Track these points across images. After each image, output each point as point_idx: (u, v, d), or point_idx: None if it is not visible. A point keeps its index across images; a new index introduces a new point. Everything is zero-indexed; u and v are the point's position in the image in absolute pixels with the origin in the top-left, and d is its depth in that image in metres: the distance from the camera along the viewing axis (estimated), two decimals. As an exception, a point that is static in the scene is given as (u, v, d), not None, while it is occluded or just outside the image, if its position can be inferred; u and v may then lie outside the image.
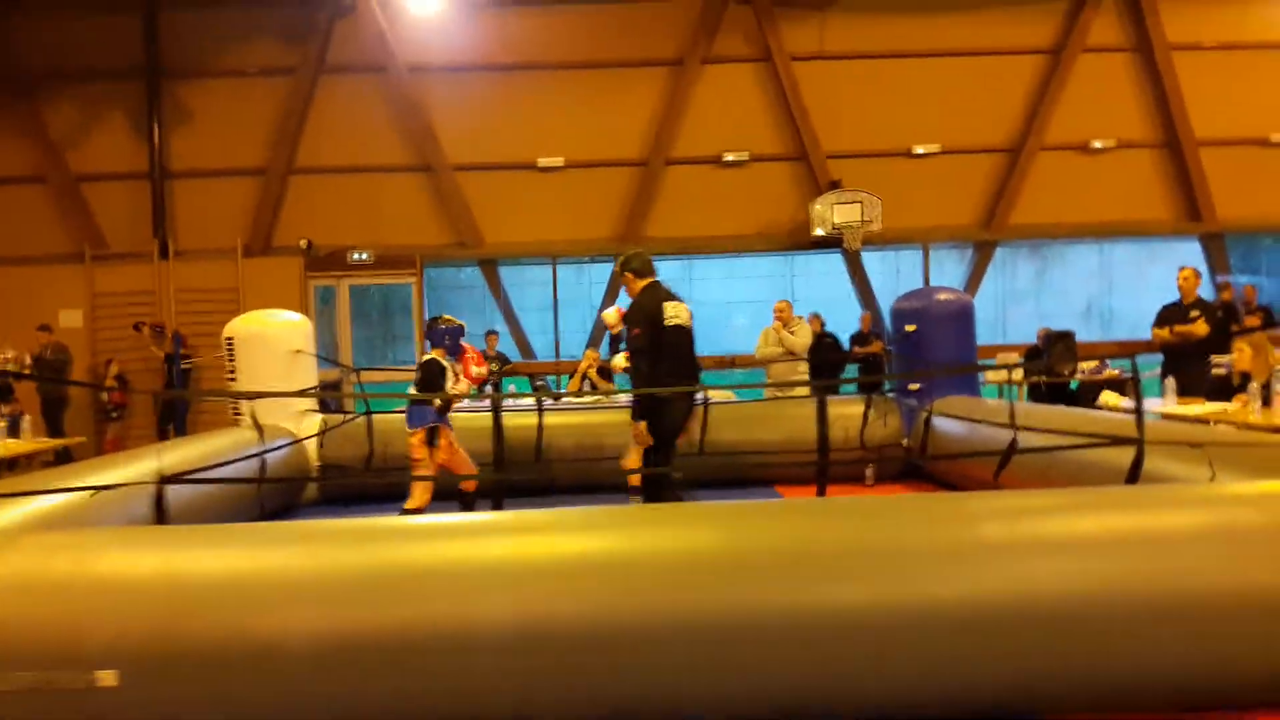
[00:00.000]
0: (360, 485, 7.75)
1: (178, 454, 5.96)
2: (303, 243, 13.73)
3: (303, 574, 3.14)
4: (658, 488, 5.64)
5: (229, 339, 7.86)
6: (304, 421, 7.79)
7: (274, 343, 7.80)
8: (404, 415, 6.27)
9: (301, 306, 13.09)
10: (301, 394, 7.28)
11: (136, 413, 12.94)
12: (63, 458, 8.95)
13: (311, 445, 7.70)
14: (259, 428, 6.09)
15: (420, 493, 6.06)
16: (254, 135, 13.85)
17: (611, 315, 7.15)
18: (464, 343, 6.64)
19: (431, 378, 6.12)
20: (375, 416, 7.74)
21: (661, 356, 5.49)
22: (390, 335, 14.99)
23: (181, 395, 12.53)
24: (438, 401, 6.04)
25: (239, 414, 7.68)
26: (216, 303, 12.96)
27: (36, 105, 13.69)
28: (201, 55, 13.81)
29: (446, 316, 6.41)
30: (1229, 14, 14.38)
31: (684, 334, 5.60)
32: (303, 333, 8.06)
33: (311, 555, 3.22)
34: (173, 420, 12.61)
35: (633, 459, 6.45)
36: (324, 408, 8.71)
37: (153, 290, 13.45)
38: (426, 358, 6.25)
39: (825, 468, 5.39)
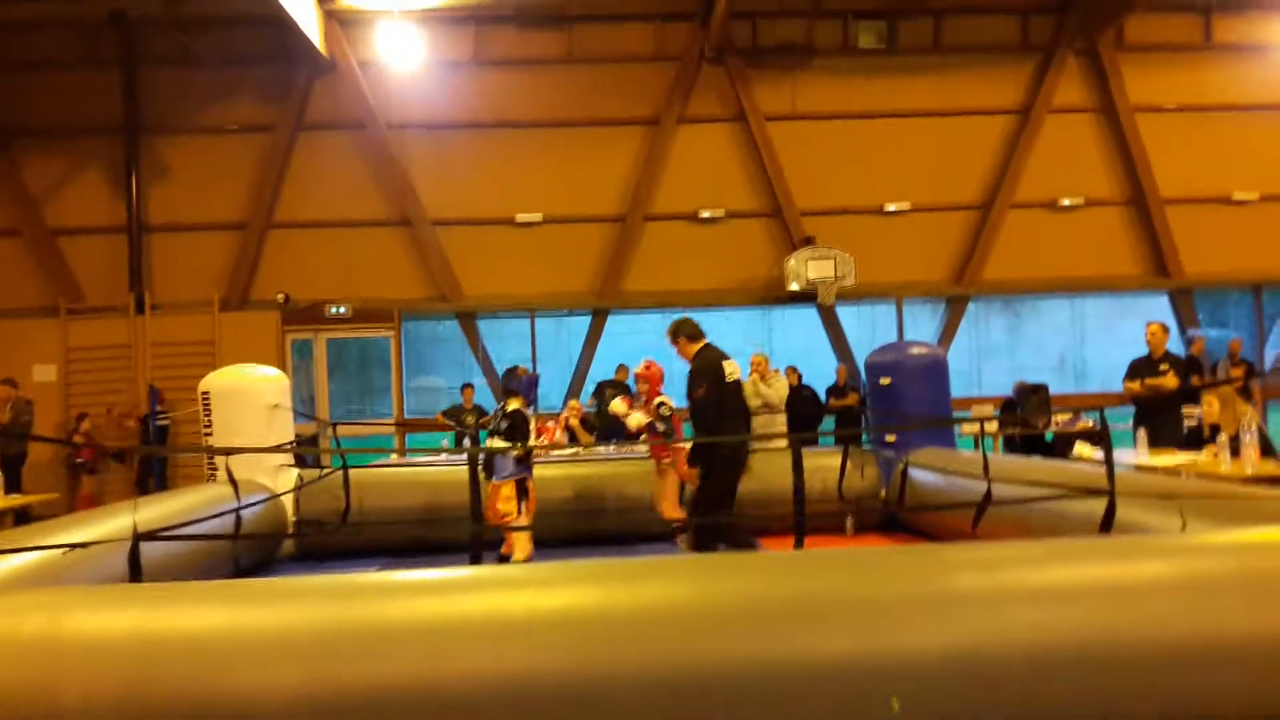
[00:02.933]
0: (337, 540, 7.68)
1: (153, 510, 5.91)
2: (280, 296, 13.73)
3: (279, 631, 3.11)
4: (714, 536, 6.01)
5: (205, 394, 7.83)
6: (280, 477, 7.74)
7: (250, 397, 7.78)
8: (380, 468, 6.26)
9: (278, 360, 13.05)
10: (277, 449, 7.24)
11: (112, 468, 12.78)
12: (22, 517, 8.74)
13: (288, 500, 7.65)
14: (235, 483, 6.05)
15: (524, 543, 6.18)
16: (233, 190, 13.92)
17: (620, 405, 7.24)
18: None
19: (520, 427, 6.18)
20: (351, 471, 7.70)
21: (724, 411, 5.94)
22: (368, 388, 14.96)
23: (155, 451, 12.40)
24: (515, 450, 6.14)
25: (215, 470, 7.63)
26: (192, 357, 12.91)
27: (14, 159, 13.71)
28: (180, 112, 13.92)
29: (522, 367, 6.49)
30: (1189, 76, 14.81)
31: (740, 388, 6.16)
32: (279, 387, 8.05)
33: (288, 612, 3.20)
34: (150, 476, 12.49)
35: (667, 505, 6.76)
36: (301, 463, 8.67)
37: (128, 344, 13.39)
38: (512, 408, 6.25)
39: (802, 519, 5.41)
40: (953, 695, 3.05)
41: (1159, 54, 14.77)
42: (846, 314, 14.91)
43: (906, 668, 3.05)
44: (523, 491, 6.19)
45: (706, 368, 6.03)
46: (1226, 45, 14.87)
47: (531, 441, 6.37)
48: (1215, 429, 6.99)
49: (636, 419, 6.81)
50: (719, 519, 5.98)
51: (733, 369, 6.07)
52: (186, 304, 13.63)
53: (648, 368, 7.08)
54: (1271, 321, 15.55)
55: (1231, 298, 16.06)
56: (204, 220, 13.88)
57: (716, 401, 5.94)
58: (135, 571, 4.36)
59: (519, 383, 6.34)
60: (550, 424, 7.23)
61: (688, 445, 6.67)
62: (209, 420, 7.78)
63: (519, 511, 6.19)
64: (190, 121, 13.97)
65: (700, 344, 6.20)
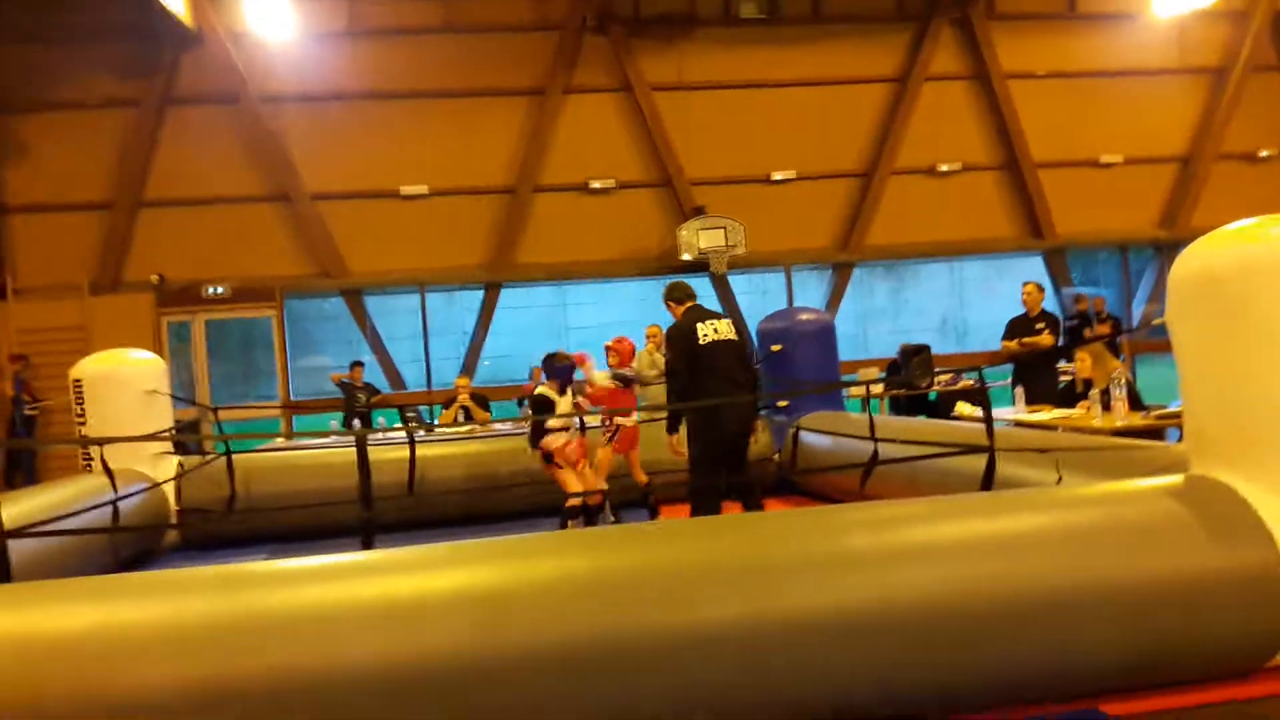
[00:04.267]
0: (223, 529, 7.45)
1: (22, 505, 5.62)
2: (154, 278, 13.17)
3: (161, 626, 2.99)
4: (703, 498, 5.86)
5: (77, 381, 7.47)
6: (160, 465, 7.46)
7: (126, 383, 7.45)
8: (267, 452, 6.11)
9: (155, 345, 12.53)
10: (153, 437, 6.96)
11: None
12: None
13: (169, 489, 7.37)
14: (110, 474, 5.80)
15: (573, 483, 6.50)
16: (99, 168, 13.26)
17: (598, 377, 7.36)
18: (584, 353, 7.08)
19: (540, 409, 6.54)
20: (236, 456, 7.47)
21: (699, 374, 5.80)
22: (251, 370, 14.49)
23: (23, 445, 11.79)
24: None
25: (90, 460, 7.31)
26: (62, 343, 12.28)
27: None
28: (38, 88, 13.14)
29: (563, 352, 6.78)
30: (1058, 43, 15.36)
31: (724, 348, 5.89)
32: (156, 372, 7.73)
33: (169, 606, 3.08)
34: (20, 470, 11.88)
35: (567, 479, 6.68)
36: (183, 449, 8.37)
37: (-10, 332, 12.68)
38: (539, 391, 6.66)
39: (744, 485, 5.51)
40: (847, 653, 3.12)
41: (1028, 22, 15.27)
42: (738, 282, 15.07)
43: (801, 628, 3.10)
44: (549, 458, 6.58)
45: (676, 332, 5.97)
46: (1090, 14, 15.46)
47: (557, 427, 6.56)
48: (1088, 384, 7.33)
49: (600, 377, 7.08)
50: (701, 483, 5.85)
51: (713, 329, 5.88)
52: (54, 288, 12.95)
53: (619, 342, 7.35)
54: (1138, 278, 16.31)
55: (1101, 256, 16.80)
56: (69, 200, 13.19)
57: (685, 367, 5.83)
58: (3, 571, 4.16)
59: (555, 369, 6.67)
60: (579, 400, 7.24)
61: (628, 422, 6.98)
62: (82, 409, 7.43)
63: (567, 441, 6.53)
64: (49, 97, 13.21)
65: (685, 306, 6.12)
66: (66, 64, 13.19)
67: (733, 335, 6.00)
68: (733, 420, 5.91)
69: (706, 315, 6.03)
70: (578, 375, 6.86)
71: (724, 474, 5.89)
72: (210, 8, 13.20)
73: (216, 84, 13.43)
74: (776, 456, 8.31)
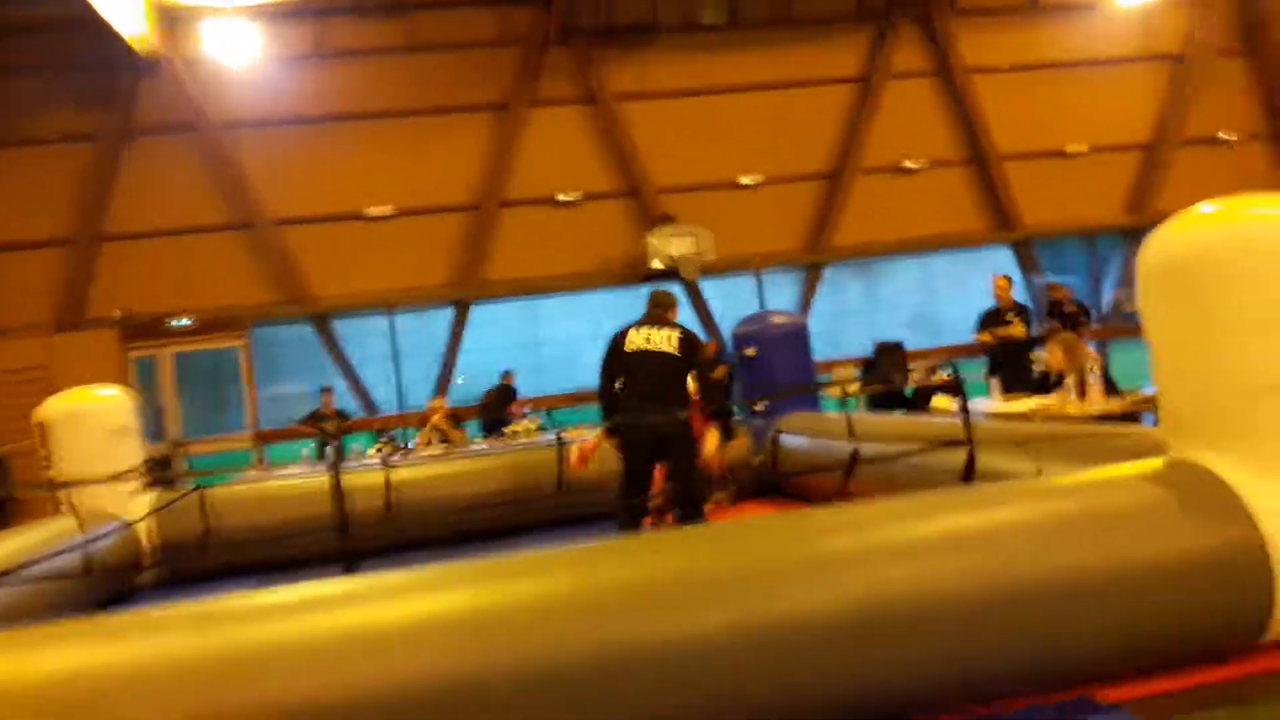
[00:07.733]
0: (203, 564, 7.33)
1: (-11, 552, 5.51)
2: (117, 313, 12.98)
3: (141, 665, 2.90)
4: (626, 515, 5.84)
5: (39, 424, 7.33)
6: (133, 503, 7.33)
7: (92, 421, 7.31)
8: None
9: (121, 381, 12.31)
10: (117, 478, 6.82)
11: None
12: None
13: (142, 528, 7.24)
14: (78, 515, 5.68)
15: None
16: (58, 204, 13.06)
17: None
18: None
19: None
20: (210, 489, 7.36)
21: (624, 381, 5.79)
22: (221, 402, 14.31)
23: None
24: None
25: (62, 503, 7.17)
26: (25, 384, 12.05)
27: None
28: (-8, 124, 12.97)
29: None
30: (1019, 36, 15.47)
31: (646, 359, 5.78)
32: (123, 408, 7.60)
33: (148, 644, 2.99)
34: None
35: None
36: (167, 485, 8.23)
37: (-47, 376, 12.43)
38: None
39: (677, 496, 5.44)
40: (834, 655, 3.09)
41: (989, 17, 15.37)
42: (710, 287, 15.06)
43: (786, 633, 3.07)
44: None
45: (610, 338, 6.03)
46: (1051, 5, 15.60)
47: None
48: (1062, 375, 7.34)
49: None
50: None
51: (638, 336, 5.86)
52: (14, 328, 12.74)
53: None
54: (1105, 265, 16.45)
55: (1069, 245, 16.93)
56: (28, 238, 13.00)
57: (607, 370, 5.92)
58: (-29, 621, 4.05)
59: None
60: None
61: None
62: (47, 452, 7.29)
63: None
64: (4, 134, 13.02)
65: (647, 311, 6.12)
66: (20, 99, 13.01)
67: (662, 347, 5.83)
68: (646, 434, 5.78)
69: (643, 323, 5.97)
70: None
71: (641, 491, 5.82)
72: (169, 35, 13.07)
73: (176, 113, 13.28)
74: (757, 460, 8.28)
